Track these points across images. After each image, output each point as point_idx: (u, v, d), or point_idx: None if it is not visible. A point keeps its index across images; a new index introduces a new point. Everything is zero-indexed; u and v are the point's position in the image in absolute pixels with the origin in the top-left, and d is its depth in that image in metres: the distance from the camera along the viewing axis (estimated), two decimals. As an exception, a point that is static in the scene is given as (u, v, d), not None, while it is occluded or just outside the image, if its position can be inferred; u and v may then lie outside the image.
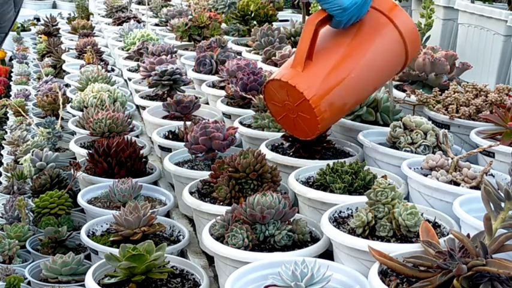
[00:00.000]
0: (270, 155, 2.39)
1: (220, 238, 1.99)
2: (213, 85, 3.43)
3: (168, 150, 2.83)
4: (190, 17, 4.44)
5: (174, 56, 3.89)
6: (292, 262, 1.70)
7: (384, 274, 1.68)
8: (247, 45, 4.12)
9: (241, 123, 2.80)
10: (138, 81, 3.80)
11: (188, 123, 2.88)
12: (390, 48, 2.28)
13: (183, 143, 2.64)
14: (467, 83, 2.65)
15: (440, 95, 2.60)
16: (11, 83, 5.39)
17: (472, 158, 2.26)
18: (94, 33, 5.62)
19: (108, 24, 5.70)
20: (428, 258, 1.63)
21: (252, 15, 4.61)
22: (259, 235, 1.96)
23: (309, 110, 2.20)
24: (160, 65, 3.49)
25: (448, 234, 1.85)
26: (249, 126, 2.77)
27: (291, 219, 2.01)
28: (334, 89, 2.20)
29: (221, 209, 2.12)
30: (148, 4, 5.82)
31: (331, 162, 2.19)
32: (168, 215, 2.66)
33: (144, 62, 3.63)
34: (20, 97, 4.54)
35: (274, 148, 2.52)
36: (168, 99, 3.20)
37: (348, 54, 2.23)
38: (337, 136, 2.63)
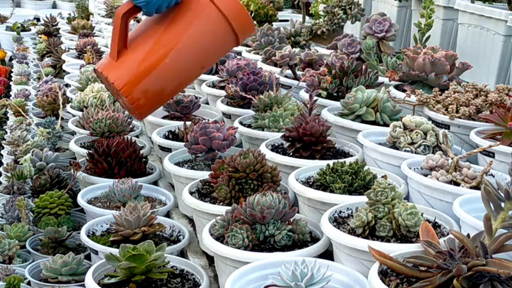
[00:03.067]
0: (270, 155, 2.39)
1: (220, 238, 1.99)
2: (213, 85, 3.43)
3: (168, 150, 2.83)
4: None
5: (174, 56, 3.88)
6: (292, 262, 1.70)
7: (384, 274, 1.68)
8: (247, 45, 4.12)
9: (241, 123, 2.80)
10: (138, 81, 3.79)
11: (188, 123, 2.88)
12: (211, 28, 2.26)
13: (183, 143, 2.64)
14: (467, 83, 2.65)
15: (440, 95, 2.60)
16: (11, 83, 5.38)
17: (472, 158, 2.26)
18: (94, 33, 5.62)
19: (108, 24, 5.70)
20: (428, 258, 1.63)
21: (252, 15, 4.61)
22: (259, 235, 1.96)
23: (124, 98, 2.25)
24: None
25: (448, 234, 1.85)
26: (249, 126, 2.78)
27: (291, 219, 2.01)
28: (147, 77, 2.23)
29: (221, 209, 2.12)
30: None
31: (331, 162, 2.20)
32: (168, 215, 2.66)
33: (144, 62, 3.62)
34: (20, 97, 4.53)
35: (274, 148, 2.52)
36: (168, 99, 3.20)
37: (162, 40, 2.24)
38: (337, 136, 2.63)
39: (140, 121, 2.73)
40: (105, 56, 2.36)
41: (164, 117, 3.18)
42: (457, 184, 2.05)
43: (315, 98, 2.60)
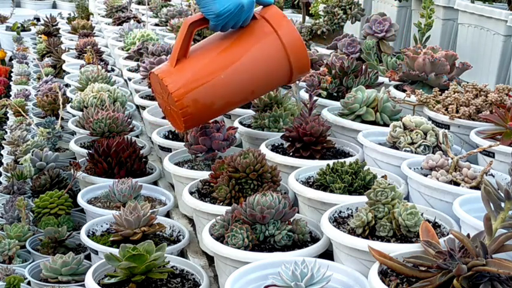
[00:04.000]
0: (270, 155, 2.39)
1: (220, 238, 1.99)
2: (213, 85, 3.42)
3: (168, 150, 2.83)
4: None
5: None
6: (292, 262, 1.70)
7: (384, 274, 1.68)
8: (247, 45, 4.12)
9: (241, 123, 2.80)
10: (138, 81, 3.80)
11: (188, 123, 2.87)
12: (269, 56, 2.34)
13: (183, 143, 2.64)
14: (467, 83, 2.65)
15: (440, 95, 2.60)
16: (11, 83, 5.38)
17: (472, 158, 2.26)
18: (94, 33, 5.62)
19: (108, 24, 5.70)
20: (428, 258, 1.63)
21: (252, 15, 4.60)
22: (259, 235, 1.96)
23: (174, 103, 2.31)
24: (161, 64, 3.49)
25: (448, 234, 1.85)
26: (249, 126, 2.78)
27: (291, 219, 2.01)
28: (200, 87, 2.29)
29: (221, 209, 2.12)
30: (148, 4, 5.83)
31: (331, 162, 2.20)
32: (168, 215, 2.66)
33: (144, 62, 3.63)
34: (20, 97, 4.53)
35: (274, 148, 2.52)
36: (168, 99, 3.20)
37: (222, 55, 2.33)
38: (337, 136, 2.63)
39: (181, 133, 2.77)
40: (163, 64, 2.45)
41: (164, 117, 3.17)
42: (457, 184, 2.05)
43: (315, 98, 2.60)
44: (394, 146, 2.36)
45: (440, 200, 2.01)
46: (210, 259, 2.29)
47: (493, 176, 2.12)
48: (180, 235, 2.41)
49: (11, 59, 6.39)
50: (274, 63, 2.35)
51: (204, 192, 2.32)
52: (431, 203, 2.03)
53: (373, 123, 2.58)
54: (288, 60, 2.35)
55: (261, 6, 2.40)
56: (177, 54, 2.30)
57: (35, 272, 2.57)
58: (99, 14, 6.24)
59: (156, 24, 5.31)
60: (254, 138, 2.68)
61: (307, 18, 4.49)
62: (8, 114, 4.48)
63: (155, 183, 2.93)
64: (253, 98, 2.61)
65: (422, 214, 1.85)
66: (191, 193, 2.32)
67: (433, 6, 3.46)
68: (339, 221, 1.96)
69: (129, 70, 4.06)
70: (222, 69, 2.31)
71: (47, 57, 5.45)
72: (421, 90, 2.70)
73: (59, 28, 6.18)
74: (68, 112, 3.75)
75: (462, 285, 1.53)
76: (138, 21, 5.30)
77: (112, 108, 3.33)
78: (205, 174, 2.39)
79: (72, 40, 5.54)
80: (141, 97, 3.53)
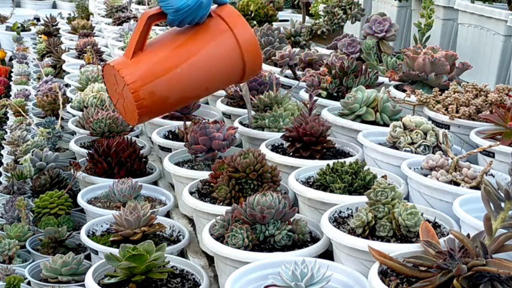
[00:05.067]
0: (270, 155, 2.39)
1: (220, 238, 1.99)
2: (213, 85, 3.42)
3: (168, 150, 2.83)
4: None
5: (174, 56, 3.88)
6: (292, 262, 1.70)
7: (384, 274, 1.68)
8: (247, 45, 4.12)
9: (241, 123, 2.80)
10: (138, 81, 3.79)
11: (188, 123, 2.88)
12: (224, 54, 2.37)
13: (183, 143, 2.64)
14: (467, 83, 2.65)
15: (440, 95, 2.60)
16: (11, 83, 5.38)
17: (472, 158, 2.26)
18: (94, 33, 5.62)
19: (108, 24, 5.70)
20: (428, 258, 1.63)
21: (252, 15, 4.61)
22: (259, 235, 1.96)
23: (130, 95, 2.32)
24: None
25: (448, 234, 1.85)
26: (248, 126, 2.77)
27: (291, 219, 2.01)
28: (157, 80, 2.31)
29: (221, 209, 2.12)
30: (148, 4, 5.82)
31: (331, 162, 2.20)
32: (168, 215, 2.66)
33: (144, 62, 3.62)
34: (20, 97, 4.53)
35: (274, 148, 2.52)
36: (168, 99, 3.19)
37: (179, 50, 2.35)
38: (337, 136, 2.63)
39: (133, 126, 2.77)
40: (118, 56, 2.50)
41: (164, 117, 3.17)
42: (457, 184, 2.05)
43: (315, 98, 2.60)
44: (394, 146, 2.36)
45: (440, 200, 2.01)
46: (210, 259, 2.29)
47: (493, 176, 2.12)
48: (180, 235, 2.41)
49: (11, 59, 6.39)
50: (228, 61, 2.38)
51: (204, 192, 2.32)
52: (431, 203, 2.03)
53: (373, 123, 2.58)
54: (242, 59, 2.38)
55: (216, 5, 2.42)
56: (133, 47, 2.31)
57: (35, 272, 2.57)
58: (99, 14, 6.24)
59: (156, 24, 5.29)
60: (254, 138, 2.68)
61: (307, 18, 4.49)
62: (8, 114, 4.48)
63: (155, 183, 2.93)
64: (206, 95, 2.64)
65: (422, 214, 1.85)
66: (191, 193, 2.32)
67: (433, 6, 3.45)
68: (339, 221, 1.96)
69: (129, 70, 4.05)
70: (179, 63, 2.33)
71: (47, 57, 5.45)
72: (421, 90, 2.70)
73: (59, 28, 6.18)
74: (68, 112, 3.75)
75: (462, 285, 1.53)
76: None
77: (112, 108, 3.33)
78: (205, 174, 2.39)
79: (72, 40, 5.54)
80: (141, 97, 3.53)
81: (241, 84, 2.77)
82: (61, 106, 3.82)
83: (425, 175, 2.09)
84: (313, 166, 2.29)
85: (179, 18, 2.29)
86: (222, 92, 3.20)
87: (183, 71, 2.32)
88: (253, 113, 2.79)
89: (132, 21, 5.15)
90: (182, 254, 2.38)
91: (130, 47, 2.32)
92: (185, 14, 2.28)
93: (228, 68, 2.40)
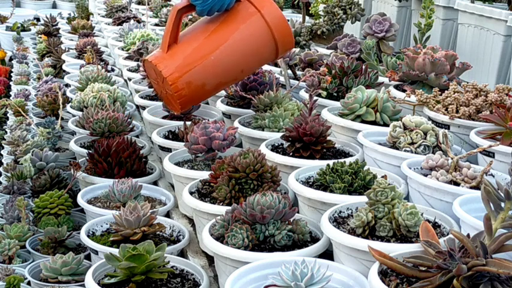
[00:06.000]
0: (270, 155, 2.39)
1: (220, 238, 1.99)
2: (213, 85, 3.42)
3: (168, 150, 2.83)
4: (190, 17, 4.44)
5: (174, 56, 3.88)
6: (292, 262, 1.70)
7: (384, 274, 1.68)
8: (247, 45, 4.12)
9: (241, 123, 2.80)
10: (138, 81, 3.80)
11: (188, 123, 2.88)
12: (255, 35, 2.48)
13: (183, 143, 2.64)
14: (467, 83, 2.65)
15: (440, 95, 2.60)
16: (11, 83, 5.38)
17: (472, 158, 2.26)
18: (94, 33, 5.62)
19: (108, 24, 5.70)
20: (428, 258, 1.63)
21: (252, 15, 4.60)
22: (259, 235, 1.96)
23: (169, 87, 2.45)
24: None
25: (448, 234, 1.85)
26: (248, 126, 2.77)
27: (291, 219, 2.01)
28: (192, 70, 2.43)
29: (221, 209, 2.12)
30: (148, 4, 5.82)
31: (331, 162, 2.20)
32: (168, 215, 2.66)
33: (144, 62, 3.63)
34: (20, 97, 4.53)
35: (274, 148, 2.52)
36: (168, 99, 3.20)
37: (210, 38, 2.47)
38: (337, 136, 2.63)
39: (178, 113, 2.92)
40: (155, 50, 2.60)
41: (164, 117, 3.18)
42: (457, 184, 2.05)
43: (315, 98, 2.60)
44: (394, 146, 2.36)
45: (440, 200, 2.01)
46: (210, 259, 2.29)
47: (493, 176, 2.12)
48: (180, 235, 2.41)
49: (11, 59, 6.38)
50: (260, 41, 2.49)
51: (204, 192, 2.32)
52: (431, 203, 2.03)
53: (373, 123, 2.58)
54: (273, 38, 2.48)
55: None
56: (168, 40, 2.42)
57: (35, 272, 2.57)
58: (99, 14, 6.24)
59: (156, 24, 5.31)
60: (254, 138, 2.68)
61: (307, 18, 4.49)
62: (8, 114, 4.48)
63: (155, 183, 2.93)
64: (243, 77, 2.74)
65: (422, 214, 1.85)
66: (191, 193, 2.32)
67: (433, 6, 3.45)
68: (339, 221, 1.96)
69: (129, 70, 4.07)
70: (212, 51, 2.44)
71: (47, 57, 5.45)
72: (421, 90, 2.70)
73: (59, 28, 6.18)
74: (68, 112, 3.75)
75: (462, 285, 1.53)
76: (138, 21, 5.29)
77: (112, 108, 3.34)
78: (205, 174, 2.39)
79: (72, 40, 5.54)
80: (141, 97, 3.53)
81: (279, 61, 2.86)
82: (61, 106, 3.82)
83: (425, 175, 2.09)
84: (313, 166, 2.29)
85: (207, 8, 2.37)
86: (222, 92, 3.20)
87: (217, 57, 2.43)
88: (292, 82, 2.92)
89: (132, 21, 5.15)
90: (182, 254, 2.38)
91: (165, 40, 2.43)
92: (212, 3, 2.36)
93: (260, 48, 2.51)
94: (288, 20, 4.37)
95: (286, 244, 1.95)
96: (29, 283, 2.51)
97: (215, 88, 2.59)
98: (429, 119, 2.51)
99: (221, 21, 2.48)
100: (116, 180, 2.62)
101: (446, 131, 2.33)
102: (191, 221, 2.56)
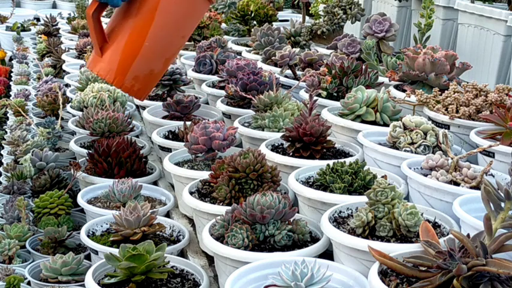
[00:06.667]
0: (270, 155, 2.39)
1: (220, 238, 1.99)
2: (213, 85, 3.43)
3: (168, 150, 2.83)
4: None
5: (174, 56, 3.88)
6: (292, 262, 1.70)
7: (384, 274, 1.68)
8: (247, 45, 4.13)
9: (241, 123, 2.80)
10: (138, 81, 3.79)
11: (188, 123, 2.88)
12: None
13: (183, 143, 2.64)
14: (467, 83, 2.65)
15: (440, 95, 2.60)
16: (11, 83, 5.38)
17: (472, 158, 2.26)
18: (94, 33, 5.61)
19: (108, 24, 5.69)
20: (428, 258, 1.63)
21: (252, 15, 4.61)
22: (259, 235, 1.96)
23: (119, 89, 2.34)
24: (160, 64, 3.48)
25: (448, 234, 1.85)
26: (248, 126, 2.77)
27: (291, 219, 2.01)
28: (133, 64, 2.29)
29: (221, 209, 2.12)
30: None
31: (331, 162, 2.20)
32: (168, 215, 2.66)
33: (144, 62, 3.62)
34: (20, 97, 4.53)
35: (274, 148, 2.52)
36: (168, 99, 3.20)
37: (137, 24, 2.29)
38: (337, 136, 2.63)
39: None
40: (91, 54, 2.44)
41: (164, 117, 3.18)
42: (457, 184, 2.05)
43: (315, 98, 2.60)
44: (394, 146, 2.36)
45: (440, 200, 2.01)
46: (210, 259, 2.29)
47: (493, 176, 2.12)
48: (180, 235, 2.41)
49: (11, 59, 6.38)
50: (187, 1, 2.32)
51: (204, 192, 2.32)
52: (431, 203, 2.03)
53: (373, 123, 2.58)
54: None
55: None
56: (98, 45, 2.29)
57: (35, 272, 2.57)
58: (99, 14, 6.23)
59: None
60: (254, 138, 2.68)
61: (307, 18, 4.49)
62: (8, 114, 4.48)
63: (155, 183, 2.93)
64: (186, 40, 2.55)
65: (422, 214, 1.85)
66: (191, 193, 2.32)
67: (433, 6, 3.45)
68: (339, 221, 1.96)
69: (129, 70, 4.05)
70: (143, 37, 2.29)
71: (47, 57, 5.45)
72: (421, 90, 2.70)
73: (59, 28, 6.17)
74: (68, 112, 3.74)
75: (462, 285, 1.53)
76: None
77: (112, 108, 3.33)
78: (205, 174, 2.39)
79: (72, 40, 5.53)
80: (141, 97, 3.53)
81: None
82: (61, 106, 3.82)
83: (425, 175, 2.09)
84: (313, 166, 2.29)
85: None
86: (222, 92, 3.21)
87: (151, 40, 2.29)
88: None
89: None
90: (182, 254, 2.38)
91: (95, 46, 2.30)
92: None
93: (189, 6, 2.34)
94: (288, 20, 4.39)
95: (286, 244, 1.95)
96: (29, 283, 2.51)
97: (164, 66, 2.45)
98: (429, 119, 2.51)
99: (139, 1, 2.29)
100: (116, 180, 2.62)
101: (446, 131, 2.33)
102: (191, 221, 2.56)
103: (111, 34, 2.31)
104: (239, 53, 3.91)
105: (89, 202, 2.66)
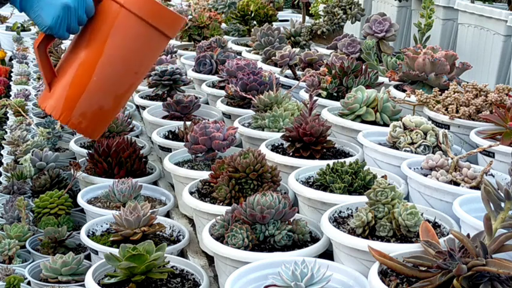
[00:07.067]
0: (270, 155, 2.39)
1: (220, 238, 1.99)
2: (213, 85, 3.43)
3: (168, 150, 2.83)
4: (190, 17, 4.44)
5: (174, 56, 3.89)
6: (292, 262, 1.70)
7: (383, 274, 1.68)
8: (247, 45, 4.13)
9: (241, 123, 2.80)
10: (138, 81, 3.80)
11: (188, 123, 2.88)
12: (131, 34, 2.17)
13: (183, 143, 2.64)
14: (467, 83, 2.65)
15: (440, 95, 2.60)
16: (11, 83, 5.38)
17: (472, 158, 2.26)
18: (94, 33, 5.60)
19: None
20: (428, 258, 1.63)
21: (252, 15, 4.61)
22: (259, 235, 1.96)
23: (67, 125, 2.23)
24: (160, 65, 3.49)
25: (448, 234, 1.85)
26: (248, 126, 2.77)
27: (291, 219, 2.01)
28: (80, 100, 2.18)
29: (221, 209, 2.12)
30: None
31: (331, 162, 2.20)
32: (168, 215, 2.66)
33: (144, 62, 3.62)
34: (20, 97, 4.53)
35: (274, 148, 2.52)
36: (168, 99, 3.20)
37: (84, 59, 2.18)
38: (337, 136, 2.63)
39: (95, 139, 2.70)
40: (43, 89, 2.32)
41: (164, 117, 3.18)
42: (457, 184, 2.05)
43: (315, 98, 2.60)
44: (394, 146, 2.36)
45: (440, 200, 2.01)
46: (210, 259, 2.29)
47: (493, 176, 2.12)
48: (180, 235, 2.41)
49: (11, 59, 6.38)
50: (139, 38, 2.18)
51: (204, 192, 2.32)
52: (431, 203, 2.03)
53: (373, 123, 2.58)
54: (152, 27, 2.17)
55: None
56: (46, 79, 2.20)
57: (35, 272, 2.57)
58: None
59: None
60: (254, 138, 2.68)
61: (307, 18, 4.49)
62: (8, 114, 4.48)
63: (155, 183, 2.93)
64: (141, 78, 2.41)
65: (422, 214, 1.85)
66: (191, 193, 2.32)
67: (433, 6, 3.45)
68: (339, 221, 1.96)
69: (129, 70, 4.05)
70: (91, 71, 2.17)
71: (47, 57, 5.44)
72: (421, 90, 2.70)
73: (59, 28, 6.16)
74: (68, 112, 3.74)
75: (462, 285, 1.53)
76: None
77: (112, 108, 3.33)
78: (205, 174, 2.39)
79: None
80: (141, 97, 3.53)
81: None
82: (61, 106, 3.81)
83: (425, 175, 2.09)
84: (313, 166, 2.29)
85: (62, 31, 2.12)
86: (222, 92, 3.21)
87: (99, 76, 2.17)
88: None
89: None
90: (182, 254, 2.38)
91: (44, 79, 2.21)
92: (63, 25, 2.10)
93: (144, 44, 2.20)
94: (288, 20, 4.39)
95: (286, 244, 1.95)
96: (29, 283, 2.51)
97: (116, 104, 2.29)
98: (429, 119, 2.51)
99: (89, 34, 2.17)
100: (116, 180, 2.62)
101: (446, 131, 2.33)
102: (191, 221, 2.56)
103: (60, 68, 2.21)
104: (239, 53, 3.91)
105: (89, 202, 2.66)
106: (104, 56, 2.17)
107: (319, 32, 3.95)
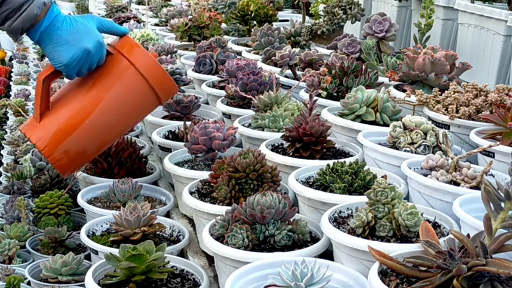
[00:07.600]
0: (270, 155, 2.39)
1: (220, 238, 1.99)
2: (213, 85, 3.43)
3: (168, 150, 2.83)
4: (190, 17, 4.44)
5: (174, 56, 3.89)
6: (292, 262, 1.70)
7: (383, 274, 1.68)
8: (247, 45, 4.12)
9: (241, 123, 2.80)
10: (138, 81, 3.79)
11: (188, 123, 2.88)
12: (132, 91, 2.28)
13: (183, 143, 2.64)
14: (467, 83, 2.65)
15: (440, 95, 2.60)
16: (11, 83, 5.38)
17: (472, 158, 2.26)
18: (94, 33, 5.60)
19: (108, 24, 5.69)
20: (428, 258, 1.63)
21: (252, 15, 4.61)
22: (259, 235, 1.96)
23: (45, 158, 2.27)
24: (160, 64, 3.49)
25: (448, 234, 1.85)
26: (249, 126, 2.77)
27: (291, 219, 2.01)
28: (68, 138, 2.23)
29: (221, 209, 2.12)
30: (148, 4, 5.83)
31: (331, 162, 2.20)
32: (168, 215, 2.66)
33: (144, 62, 3.62)
34: (20, 97, 4.53)
35: (274, 148, 2.52)
36: (168, 99, 3.20)
37: (82, 102, 2.26)
38: (337, 136, 2.63)
39: (64, 177, 2.74)
40: (29, 118, 2.37)
41: (164, 117, 3.18)
42: (457, 184, 2.05)
43: (315, 98, 2.60)
44: (394, 146, 2.36)
45: (440, 200, 2.01)
46: (210, 259, 2.29)
47: (493, 176, 2.12)
48: (180, 235, 2.41)
49: (11, 59, 6.39)
50: (138, 96, 2.30)
51: (204, 192, 2.32)
52: (431, 203, 2.03)
53: (373, 123, 2.58)
54: (151, 89, 2.29)
55: (116, 37, 2.36)
56: (39, 109, 2.24)
57: (35, 272, 2.57)
58: (99, 14, 6.24)
59: (156, 24, 5.31)
60: (254, 138, 2.68)
61: (307, 18, 4.49)
62: (8, 114, 4.48)
63: (155, 183, 2.93)
64: (127, 131, 2.62)
65: (422, 214, 1.85)
66: (191, 193, 2.32)
67: (433, 6, 3.45)
68: (339, 221, 1.96)
69: (129, 70, 4.05)
70: (86, 115, 2.24)
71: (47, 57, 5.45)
72: (421, 90, 2.70)
73: (59, 28, 6.17)
74: (68, 112, 3.74)
75: (462, 285, 1.53)
76: (138, 21, 5.29)
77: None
78: (205, 174, 2.39)
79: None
80: (141, 97, 3.53)
81: None
82: (61, 106, 3.81)
83: (425, 175, 2.09)
84: (313, 166, 2.29)
85: (73, 72, 2.19)
86: (222, 92, 3.21)
87: (92, 121, 2.24)
88: None
89: (132, 21, 5.15)
90: (182, 254, 2.38)
91: (36, 109, 2.25)
92: (77, 66, 2.17)
93: (140, 102, 2.32)
94: (288, 20, 4.39)
95: (286, 244, 1.95)
96: (29, 283, 2.51)
97: (98, 150, 2.39)
98: (429, 119, 2.51)
99: (94, 80, 2.26)
100: (116, 180, 2.63)
101: (446, 131, 2.33)
102: (191, 221, 2.56)
103: (55, 103, 2.26)
104: (239, 53, 3.91)
105: (89, 202, 2.66)
106: (102, 104, 2.26)
107: (319, 32, 3.95)
